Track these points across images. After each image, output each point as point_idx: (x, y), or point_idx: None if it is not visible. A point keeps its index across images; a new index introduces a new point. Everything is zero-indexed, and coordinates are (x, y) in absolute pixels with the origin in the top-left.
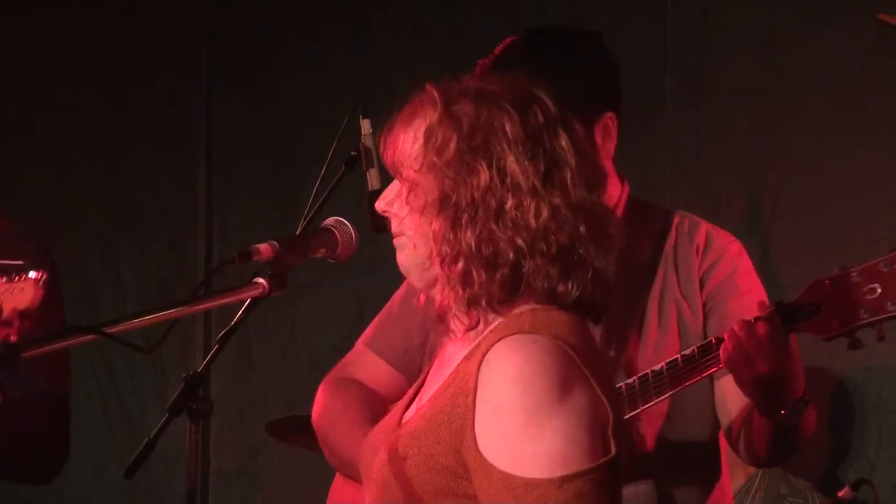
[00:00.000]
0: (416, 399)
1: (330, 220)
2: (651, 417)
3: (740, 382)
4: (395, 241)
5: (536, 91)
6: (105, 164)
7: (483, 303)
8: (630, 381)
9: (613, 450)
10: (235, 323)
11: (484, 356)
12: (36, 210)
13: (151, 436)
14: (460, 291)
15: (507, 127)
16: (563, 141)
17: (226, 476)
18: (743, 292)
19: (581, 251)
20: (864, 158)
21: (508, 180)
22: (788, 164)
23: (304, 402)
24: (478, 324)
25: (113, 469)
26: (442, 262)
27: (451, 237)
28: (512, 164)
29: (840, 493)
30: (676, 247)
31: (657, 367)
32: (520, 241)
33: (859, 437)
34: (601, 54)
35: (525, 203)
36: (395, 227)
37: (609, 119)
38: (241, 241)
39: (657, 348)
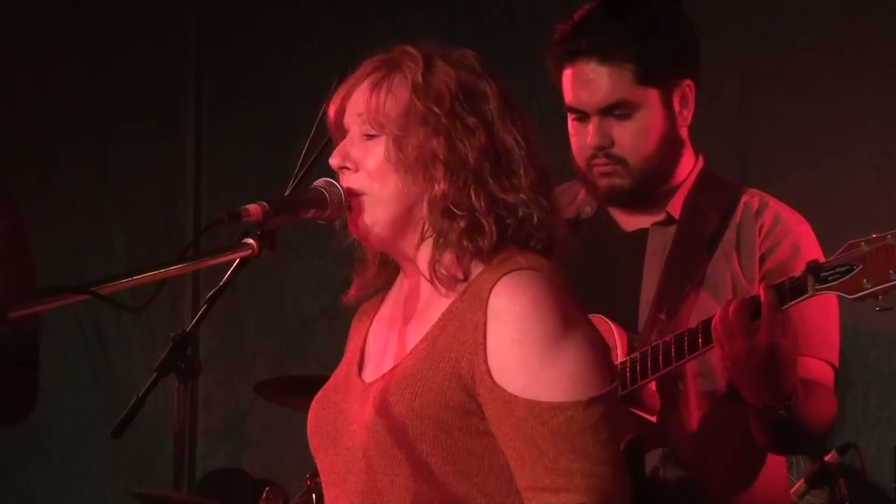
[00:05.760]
0: (370, 357)
1: (320, 182)
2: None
3: (724, 361)
4: (357, 201)
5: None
6: (91, 126)
7: (484, 253)
8: (655, 344)
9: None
10: (224, 283)
11: (490, 292)
12: (20, 171)
13: (139, 395)
14: (466, 244)
15: (489, 92)
16: (520, 115)
17: (214, 435)
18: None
19: (545, 207)
20: (853, 120)
21: (499, 141)
22: (778, 127)
23: (293, 363)
24: (467, 273)
25: (100, 428)
26: (444, 217)
27: (457, 194)
28: (500, 126)
29: (826, 458)
30: (742, 224)
31: (667, 338)
32: (512, 199)
33: (845, 401)
34: (684, 21)
35: (515, 166)
36: (355, 184)
37: (688, 87)
38: (230, 202)
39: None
